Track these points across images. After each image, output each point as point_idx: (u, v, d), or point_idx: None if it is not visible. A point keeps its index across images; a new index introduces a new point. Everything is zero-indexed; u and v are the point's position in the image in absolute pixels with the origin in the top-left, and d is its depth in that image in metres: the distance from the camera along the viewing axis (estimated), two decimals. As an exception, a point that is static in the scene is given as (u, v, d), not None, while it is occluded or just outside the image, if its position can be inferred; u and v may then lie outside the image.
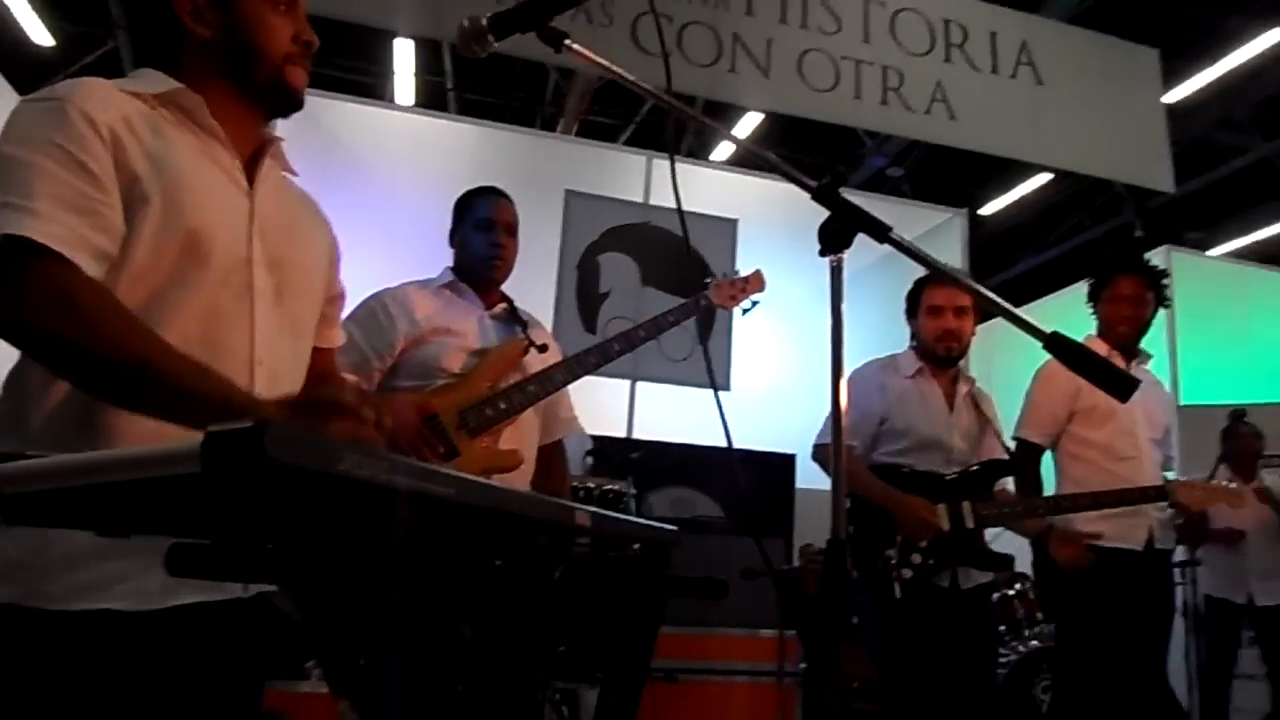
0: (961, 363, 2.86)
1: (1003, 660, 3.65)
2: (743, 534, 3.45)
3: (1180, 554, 3.58)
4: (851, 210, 1.18)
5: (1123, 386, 1.09)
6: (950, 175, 9.88)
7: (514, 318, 2.26)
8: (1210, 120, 9.34)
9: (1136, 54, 7.42)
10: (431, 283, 2.27)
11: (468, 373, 2.12)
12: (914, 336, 2.86)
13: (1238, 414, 4.40)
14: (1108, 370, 1.09)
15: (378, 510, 0.67)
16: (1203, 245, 10.16)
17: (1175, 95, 8.30)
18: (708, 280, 2.44)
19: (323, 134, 5.10)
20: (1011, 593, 3.97)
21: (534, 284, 5.81)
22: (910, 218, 7.25)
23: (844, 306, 1.19)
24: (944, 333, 2.75)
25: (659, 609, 1.71)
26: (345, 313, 1.64)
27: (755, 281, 2.45)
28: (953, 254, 6.69)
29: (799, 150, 10.17)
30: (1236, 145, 9.74)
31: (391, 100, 8.43)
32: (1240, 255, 9.77)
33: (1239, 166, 9.98)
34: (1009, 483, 2.77)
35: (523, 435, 2.15)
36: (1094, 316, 3.16)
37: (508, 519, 0.84)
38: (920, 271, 3.10)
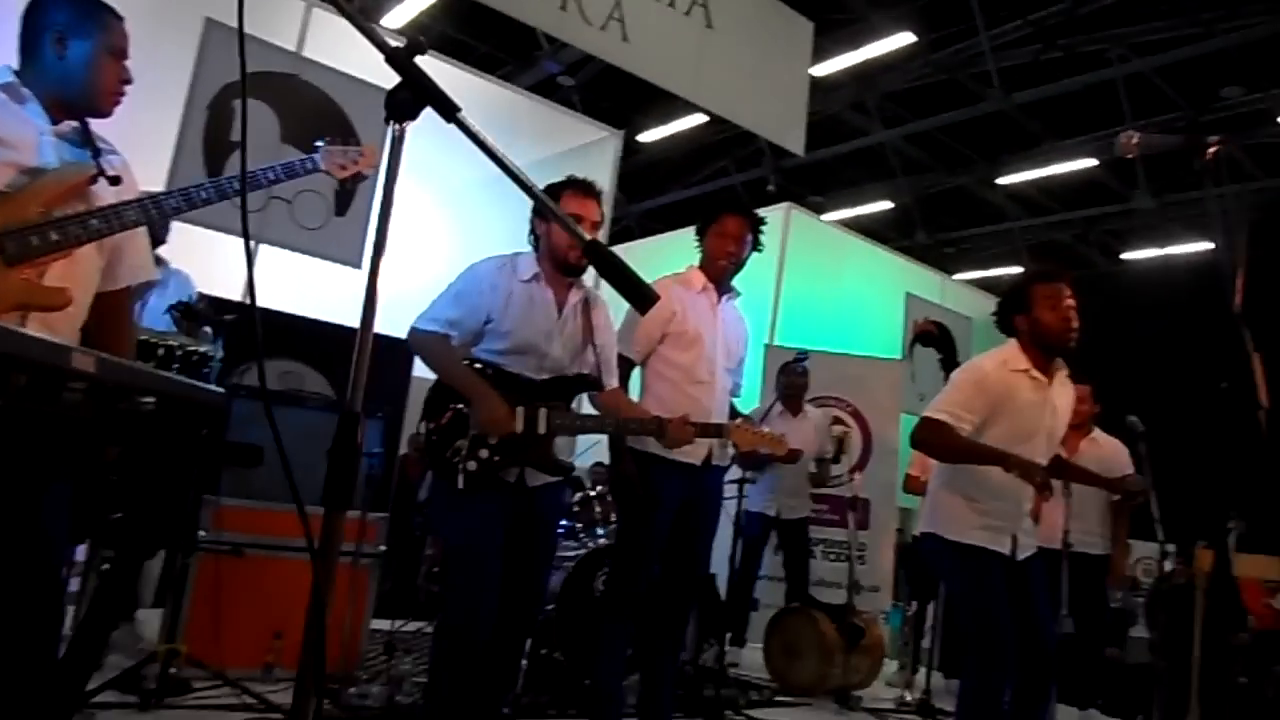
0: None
1: (571, 553, 3.93)
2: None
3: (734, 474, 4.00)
4: (422, 81, 1.14)
5: (643, 300, 1.17)
6: (619, 96, 10.12)
7: (86, 140, 1.94)
8: (845, 100, 10.39)
9: (796, 23, 8.03)
10: None
11: (14, 192, 1.81)
12: (538, 242, 2.77)
13: (799, 357, 5.03)
14: (632, 283, 1.16)
15: None
16: (820, 209, 11.38)
17: (820, 70, 9.09)
18: (318, 143, 2.26)
19: None
20: (593, 494, 4.30)
21: (155, 118, 5.15)
22: (568, 129, 7.36)
23: (394, 181, 1.12)
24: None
25: (189, 468, 1.60)
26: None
27: (368, 156, 2.30)
28: (603, 172, 6.87)
29: (476, 37, 9.89)
30: (861, 127, 10.95)
31: None
32: (847, 224, 11.06)
33: (860, 146, 11.25)
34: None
35: (78, 274, 1.87)
36: (699, 249, 3.32)
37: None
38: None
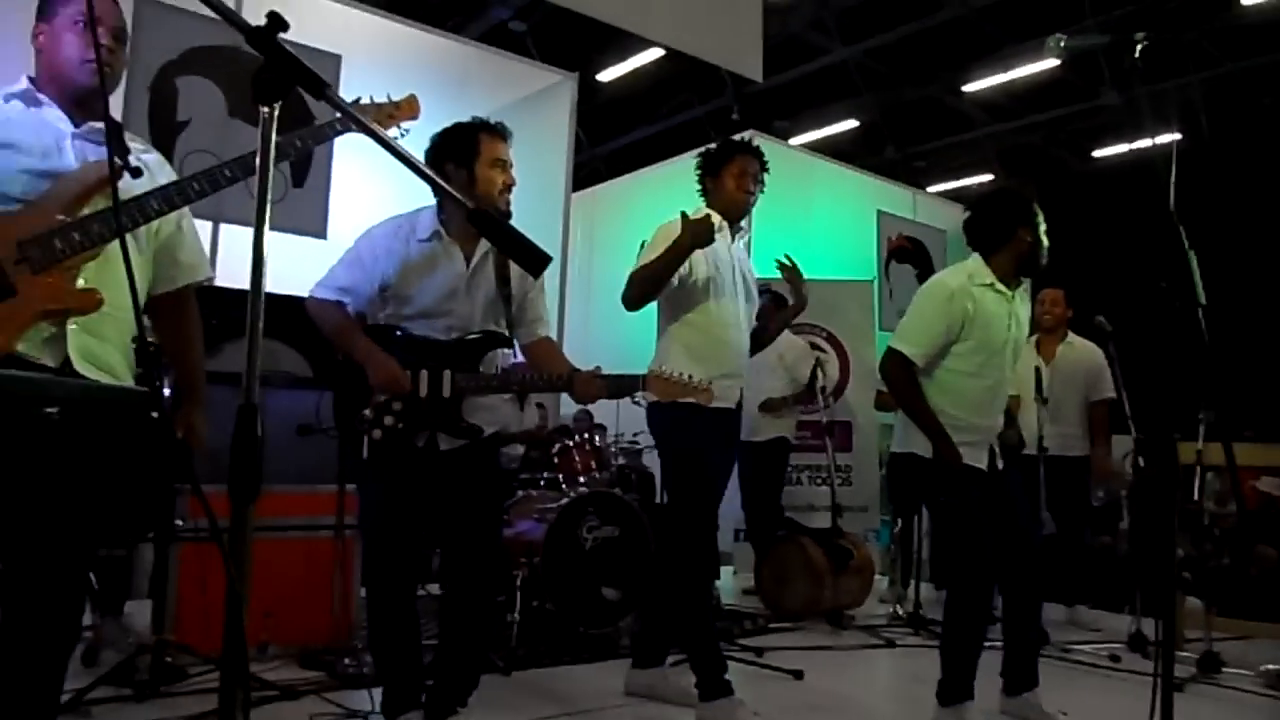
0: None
1: (554, 505, 3.96)
2: (322, 389, 3.29)
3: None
4: (288, 60, 1.11)
5: (536, 263, 1.16)
6: (574, 36, 9.92)
7: (111, 138, 1.85)
8: (803, 20, 10.21)
9: (744, -56, 7.84)
10: None
11: (37, 199, 1.78)
12: (439, 196, 2.59)
13: (760, 290, 4.98)
14: (523, 246, 1.14)
15: None
16: (786, 134, 11.25)
17: (774, -9, 8.90)
18: (361, 99, 2.19)
19: None
20: (571, 444, 4.32)
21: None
22: (521, 76, 7.21)
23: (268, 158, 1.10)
24: (506, 186, 2.58)
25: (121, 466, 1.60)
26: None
27: (406, 107, 2.24)
28: (561, 117, 6.77)
29: (421, -12, 9.67)
30: (822, 46, 10.78)
31: None
32: (815, 146, 10.95)
33: (823, 66, 11.09)
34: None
35: (111, 275, 1.81)
36: (703, 190, 3.24)
37: None
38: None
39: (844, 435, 6.10)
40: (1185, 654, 4.11)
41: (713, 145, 3.37)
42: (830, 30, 10.53)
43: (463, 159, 2.58)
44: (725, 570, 5.67)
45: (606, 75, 10.99)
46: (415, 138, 2.65)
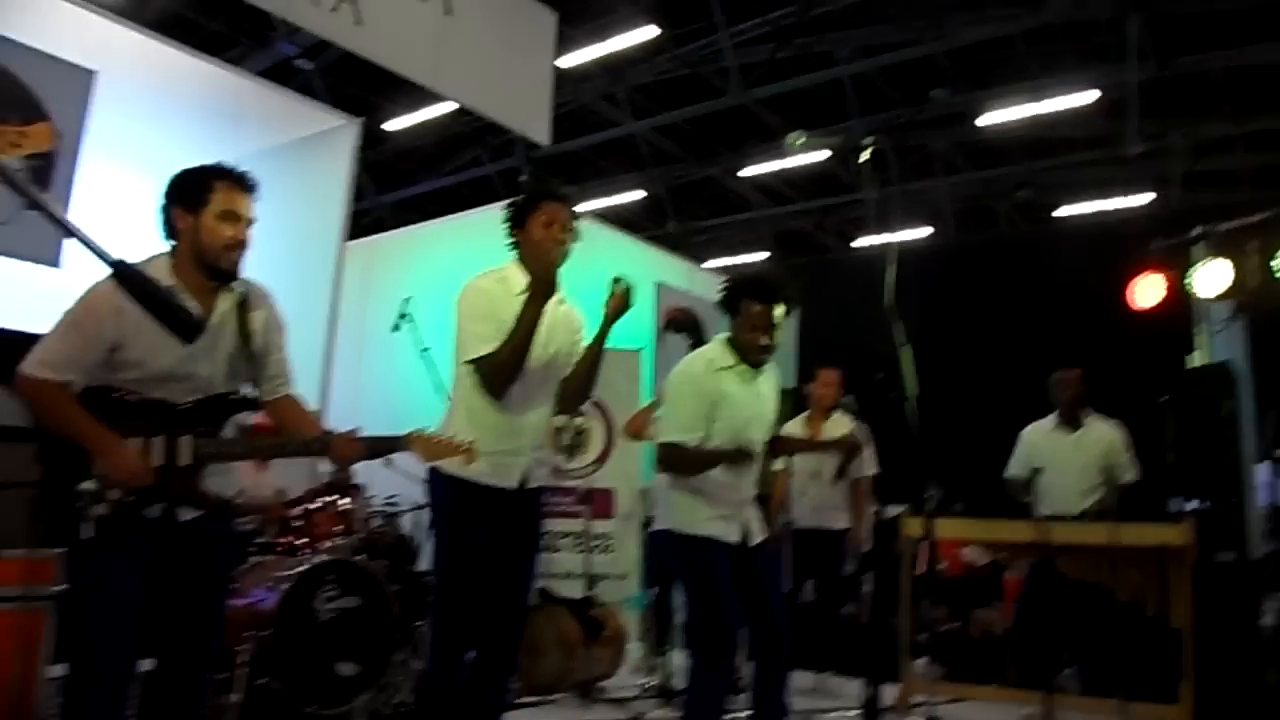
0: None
1: (289, 572, 3.69)
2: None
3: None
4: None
5: (186, 329, 1.05)
6: (363, 81, 9.70)
7: None
8: (595, 91, 10.47)
9: (538, 13, 7.96)
10: None
11: None
12: (177, 237, 2.39)
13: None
14: (171, 310, 1.04)
15: None
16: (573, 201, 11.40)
17: (567, 61, 9.09)
18: None
19: None
20: (314, 507, 4.06)
21: None
22: (302, 116, 6.92)
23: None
24: (236, 242, 2.36)
25: None
26: None
27: (34, 136, 1.99)
28: (341, 162, 6.56)
29: (207, 15, 9.15)
30: (612, 118, 11.09)
31: None
32: (600, 214, 11.17)
33: (612, 137, 11.40)
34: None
35: None
36: (514, 244, 3.05)
37: None
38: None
39: (605, 502, 6.11)
40: (911, 719, 4.35)
41: (518, 197, 3.14)
42: (621, 104, 10.85)
43: (190, 206, 2.37)
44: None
45: (395, 125, 10.77)
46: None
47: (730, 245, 13.87)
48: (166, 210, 2.40)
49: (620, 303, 2.97)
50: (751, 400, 3.21)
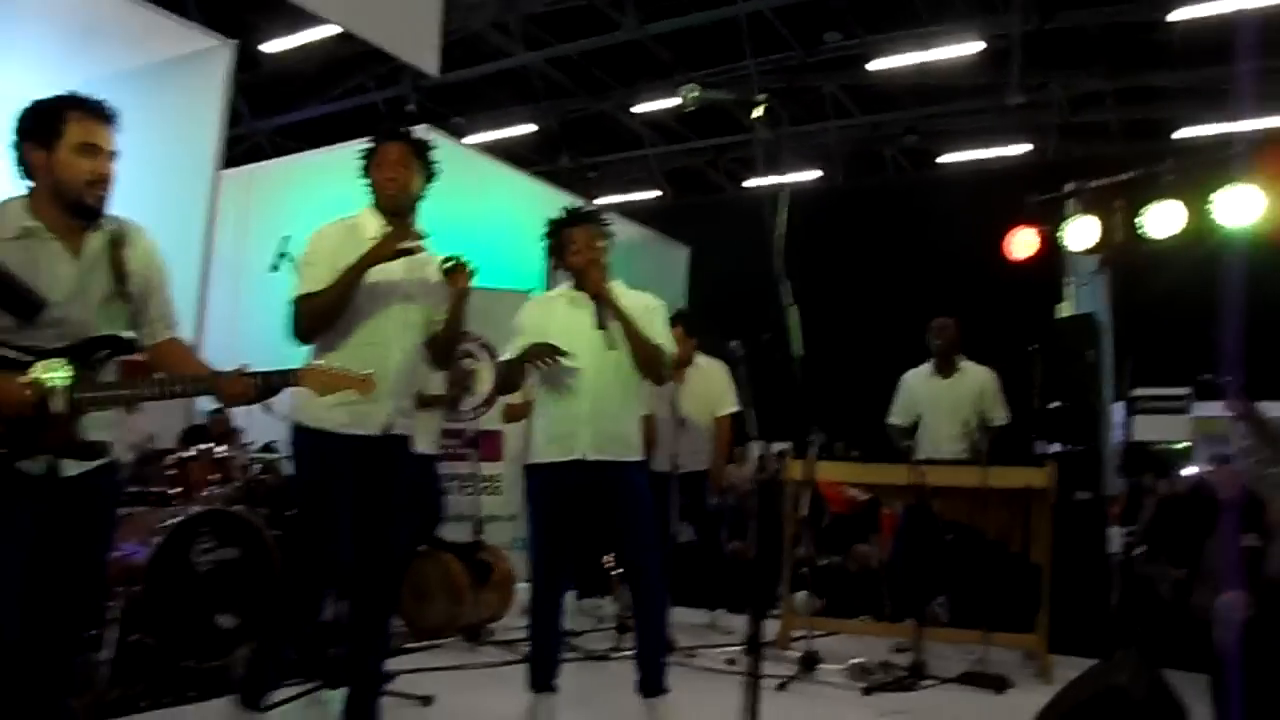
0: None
1: (162, 524, 3.55)
2: None
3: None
4: None
5: (25, 309, 0.97)
6: (237, 1, 9.13)
7: None
8: (486, 19, 10.13)
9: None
10: None
11: None
12: (33, 176, 2.21)
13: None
14: (14, 293, 0.95)
15: None
16: (461, 131, 11.09)
17: (457, -14, 8.74)
18: None
19: None
20: (189, 455, 3.89)
21: None
22: (171, 36, 6.46)
23: None
24: (97, 177, 2.20)
25: None
26: None
27: None
28: (214, 85, 6.17)
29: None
30: (504, 48, 10.76)
31: None
32: (490, 147, 10.89)
33: (504, 68, 11.08)
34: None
35: None
36: (370, 191, 3.02)
37: None
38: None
39: (493, 445, 6.08)
40: (791, 653, 4.52)
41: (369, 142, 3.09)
42: (513, 33, 10.54)
43: (44, 140, 2.19)
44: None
45: (273, 47, 10.18)
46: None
47: (622, 183, 13.77)
48: (18, 147, 2.22)
49: (462, 281, 3.02)
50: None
